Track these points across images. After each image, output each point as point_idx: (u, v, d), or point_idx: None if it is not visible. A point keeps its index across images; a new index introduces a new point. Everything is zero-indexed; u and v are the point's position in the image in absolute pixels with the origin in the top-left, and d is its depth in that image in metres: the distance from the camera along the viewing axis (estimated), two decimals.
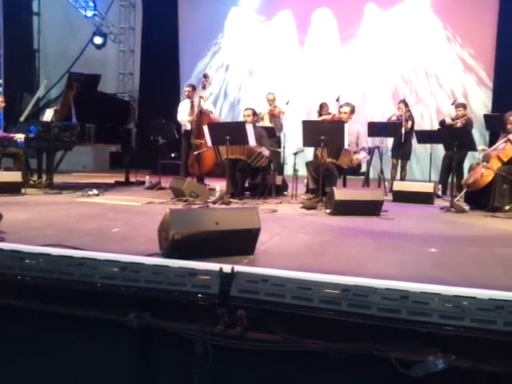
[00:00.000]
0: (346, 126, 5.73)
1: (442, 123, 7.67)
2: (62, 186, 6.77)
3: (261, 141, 6.25)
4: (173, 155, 8.68)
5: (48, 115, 7.32)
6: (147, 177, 7.75)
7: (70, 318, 2.29)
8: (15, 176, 6.09)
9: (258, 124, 7.19)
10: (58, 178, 7.15)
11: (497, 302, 1.87)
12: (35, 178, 7.25)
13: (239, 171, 6.10)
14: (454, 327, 1.84)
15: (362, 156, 6.20)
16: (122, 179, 8.12)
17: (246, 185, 6.52)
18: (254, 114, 6.67)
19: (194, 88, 7.72)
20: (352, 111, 6.41)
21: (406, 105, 8.13)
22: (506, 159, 5.42)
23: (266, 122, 8.13)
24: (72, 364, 2.36)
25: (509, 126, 5.61)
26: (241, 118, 11.19)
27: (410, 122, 7.96)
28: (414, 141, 7.88)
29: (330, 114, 8.19)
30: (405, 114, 7.89)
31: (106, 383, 2.33)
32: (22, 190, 6.00)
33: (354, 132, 6.25)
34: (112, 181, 8.04)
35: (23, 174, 6.32)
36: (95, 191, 6.11)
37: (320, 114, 8.63)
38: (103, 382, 2.33)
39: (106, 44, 12.58)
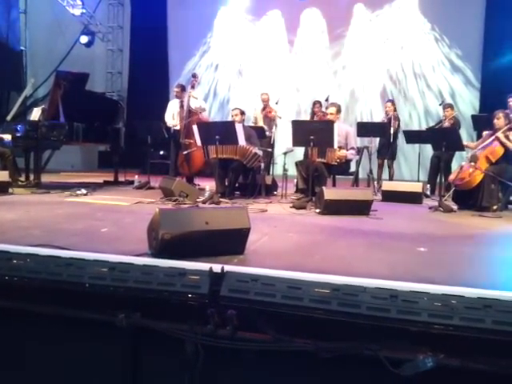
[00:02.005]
0: (335, 125, 5.75)
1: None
2: (49, 186, 6.70)
3: (250, 140, 6.25)
4: (161, 153, 8.62)
5: (35, 114, 7.25)
6: (136, 176, 7.70)
7: (58, 318, 2.27)
8: (2, 175, 6.01)
9: (247, 124, 7.19)
10: (45, 178, 7.08)
11: (485, 300, 1.89)
12: (23, 177, 7.17)
13: (232, 171, 6.08)
14: (443, 326, 1.85)
15: (350, 152, 6.23)
16: (111, 179, 8.06)
17: (236, 184, 6.51)
18: (242, 113, 6.68)
19: (183, 88, 7.69)
20: (338, 111, 6.47)
21: (394, 104, 8.19)
22: (494, 160, 5.48)
23: (260, 122, 8.15)
24: (61, 365, 2.33)
25: (495, 121, 5.66)
26: (230, 118, 11.22)
27: (397, 122, 8.03)
28: (399, 140, 7.98)
29: (323, 112, 8.20)
30: (394, 114, 7.95)
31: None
32: (10, 190, 5.94)
33: (343, 132, 6.28)
34: (101, 180, 7.98)
35: (10, 174, 6.25)
36: (84, 191, 6.06)
37: (313, 112, 8.63)
38: (93, 383, 2.31)
39: (94, 43, 12.49)
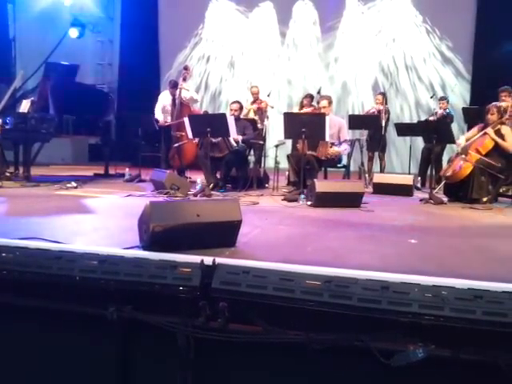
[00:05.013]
0: (328, 118, 5.74)
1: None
2: (39, 179, 6.64)
3: (245, 132, 6.28)
4: (157, 145, 8.54)
5: (24, 106, 7.15)
6: (127, 169, 7.65)
7: (48, 312, 2.25)
8: None
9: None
10: (35, 171, 7.01)
11: (475, 291, 1.90)
12: (12, 170, 7.09)
13: (225, 164, 6.06)
14: (434, 317, 1.86)
15: (343, 148, 6.23)
16: (102, 172, 8.00)
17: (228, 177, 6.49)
18: (241, 107, 6.66)
19: (175, 84, 7.59)
20: (330, 103, 6.49)
21: (384, 97, 8.20)
22: (484, 152, 5.49)
23: (251, 114, 8.11)
24: (51, 358, 2.32)
25: (489, 116, 5.65)
26: (222, 110, 11.17)
27: (386, 115, 8.05)
28: (389, 133, 8.01)
29: (312, 106, 8.16)
30: (384, 107, 7.97)
31: (86, 377, 2.30)
32: None
33: (336, 125, 6.27)
34: (91, 173, 7.93)
35: None
36: (74, 184, 6.01)
37: (301, 104, 8.58)
38: (83, 377, 2.30)
39: (84, 34, 12.33)
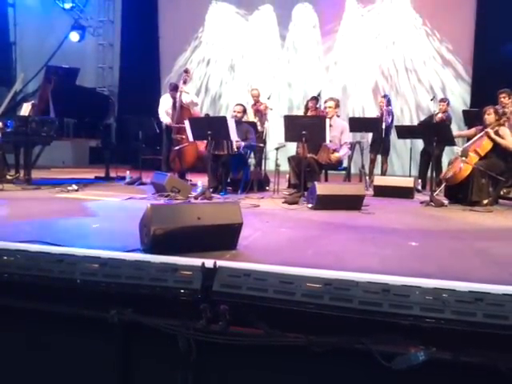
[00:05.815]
0: (328, 121, 5.75)
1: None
2: (40, 182, 6.65)
3: (247, 135, 6.31)
4: (158, 148, 8.56)
5: (25, 109, 7.17)
6: (128, 172, 7.66)
7: (49, 315, 2.25)
8: None
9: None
10: (36, 174, 7.01)
11: (476, 294, 1.90)
12: (13, 173, 7.10)
13: (222, 166, 6.08)
14: (435, 319, 1.86)
15: (343, 153, 6.24)
16: (102, 174, 8.01)
17: (228, 180, 6.50)
18: (244, 111, 6.69)
19: (176, 87, 7.59)
20: (337, 105, 6.51)
21: (389, 100, 8.23)
22: (483, 153, 5.50)
23: (250, 117, 8.13)
24: (52, 362, 2.32)
25: (486, 116, 5.67)
26: (222, 113, 11.20)
27: (390, 117, 8.07)
28: (392, 136, 8.01)
29: (317, 109, 8.17)
30: (386, 109, 7.99)
31: (87, 380, 2.30)
32: None
33: (339, 127, 6.29)
34: (92, 176, 7.93)
35: (0, 170, 6.19)
36: (75, 187, 6.02)
37: (306, 106, 8.60)
38: (85, 380, 2.30)
39: (84, 37, 12.36)
